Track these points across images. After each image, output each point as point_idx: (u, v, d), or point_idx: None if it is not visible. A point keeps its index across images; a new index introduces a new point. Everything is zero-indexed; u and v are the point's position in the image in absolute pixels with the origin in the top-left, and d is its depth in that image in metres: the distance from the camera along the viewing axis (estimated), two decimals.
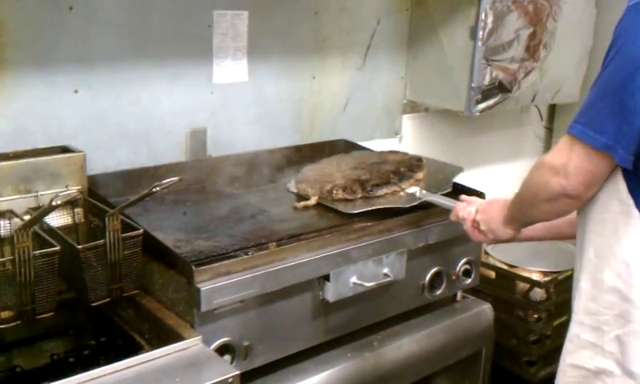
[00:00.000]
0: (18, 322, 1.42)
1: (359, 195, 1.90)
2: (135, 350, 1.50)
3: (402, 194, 1.94)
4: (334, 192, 1.90)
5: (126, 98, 2.03)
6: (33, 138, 1.86)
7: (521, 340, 2.60)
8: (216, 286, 1.46)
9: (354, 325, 1.80)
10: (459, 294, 2.08)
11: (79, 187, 1.77)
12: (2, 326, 1.40)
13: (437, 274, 1.94)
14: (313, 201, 1.91)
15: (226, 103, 2.25)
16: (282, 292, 1.60)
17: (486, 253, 2.71)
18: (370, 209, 1.84)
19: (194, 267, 1.45)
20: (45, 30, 1.84)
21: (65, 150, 1.83)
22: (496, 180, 2.99)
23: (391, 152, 2.28)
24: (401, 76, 2.72)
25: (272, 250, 1.59)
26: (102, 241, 1.48)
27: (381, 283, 1.75)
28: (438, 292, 1.96)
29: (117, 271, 1.51)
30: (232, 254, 1.54)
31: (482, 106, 2.56)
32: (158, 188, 1.39)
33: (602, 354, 1.41)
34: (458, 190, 2.05)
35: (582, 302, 1.45)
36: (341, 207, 1.86)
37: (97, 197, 1.77)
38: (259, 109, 2.33)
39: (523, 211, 1.52)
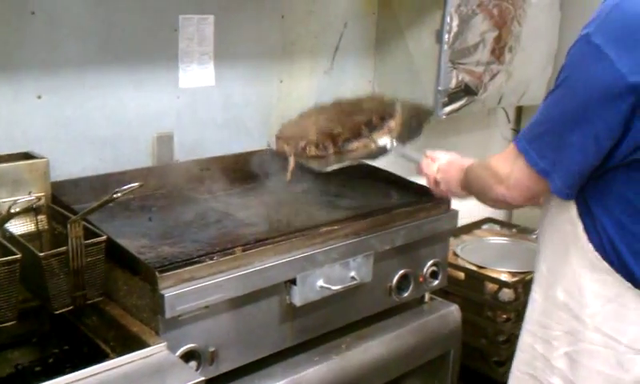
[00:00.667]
0: None
1: (331, 151, 1.93)
2: (100, 357, 1.48)
3: (373, 146, 1.93)
4: (308, 149, 1.93)
5: (91, 103, 2.01)
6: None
7: (490, 340, 2.63)
8: (180, 292, 1.46)
9: (321, 328, 1.80)
10: (427, 296, 2.09)
11: (42, 194, 1.75)
12: None
13: (404, 277, 1.95)
14: (291, 162, 1.97)
15: (192, 108, 2.24)
16: (248, 297, 1.60)
17: (455, 254, 2.73)
18: (342, 165, 1.92)
19: (157, 273, 1.44)
20: (6, 34, 1.81)
21: (28, 156, 1.80)
22: None
23: (368, 97, 2.26)
24: (368, 79, 2.73)
25: (238, 255, 1.58)
26: (64, 248, 1.46)
27: (348, 286, 1.76)
28: (406, 294, 1.97)
29: (80, 278, 1.49)
30: (197, 259, 1.53)
31: (448, 108, 2.58)
32: (118, 194, 1.38)
33: (550, 369, 1.43)
34: (425, 193, 2.06)
35: (535, 313, 1.47)
36: (315, 165, 1.93)
37: (61, 203, 1.75)
38: (226, 113, 2.33)
39: (472, 192, 1.57)
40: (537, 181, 1.34)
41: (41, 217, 1.74)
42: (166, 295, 1.43)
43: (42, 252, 1.48)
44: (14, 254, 1.40)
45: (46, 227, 1.74)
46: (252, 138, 2.39)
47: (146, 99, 2.13)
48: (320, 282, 1.70)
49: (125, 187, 1.39)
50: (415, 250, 1.96)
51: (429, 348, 2.03)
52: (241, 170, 2.23)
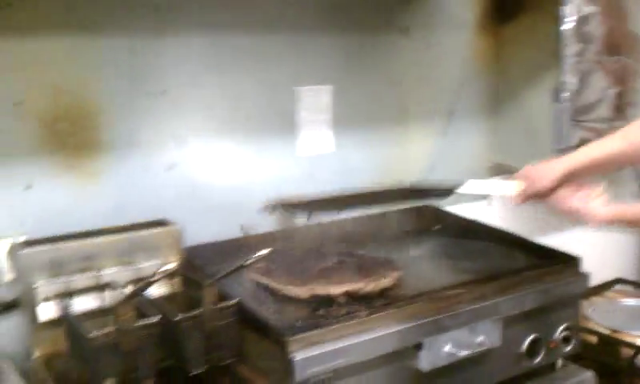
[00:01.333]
0: None
1: None
2: None
3: None
4: None
5: (216, 171, 2.11)
6: (131, 213, 1.93)
7: None
8: (309, 356, 1.46)
9: None
10: (560, 362, 1.99)
11: (176, 259, 1.84)
12: None
13: (534, 342, 1.87)
14: None
15: (311, 174, 2.30)
16: (375, 361, 1.58)
17: (586, 317, 2.60)
18: None
19: (287, 337, 1.46)
20: (139, 112, 1.95)
21: (162, 223, 1.90)
22: (591, 244, 2.89)
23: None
24: (485, 139, 2.70)
25: (363, 320, 1.57)
26: (199, 311, 1.51)
27: (475, 352, 1.70)
28: (537, 360, 1.88)
29: (214, 340, 1.54)
30: (324, 322, 1.54)
31: None
32: (249, 261, 1.42)
33: None
34: (549, 256, 2.00)
35: None
36: None
37: (192, 268, 1.82)
38: (344, 178, 2.34)
39: None
40: None
41: (174, 280, 1.82)
42: (295, 359, 1.44)
43: (176, 314, 1.55)
44: (153, 316, 1.46)
45: (179, 291, 1.81)
46: None
47: (268, 166, 2.21)
48: (447, 348, 1.66)
49: (255, 256, 1.43)
50: (545, 314, 1.88)
51: None
52: (358, 233, 2.24)
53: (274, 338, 1.51)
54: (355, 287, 1.69)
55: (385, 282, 1.74)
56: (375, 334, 1.57)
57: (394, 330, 1.59)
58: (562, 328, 1.91)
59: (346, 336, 1.54)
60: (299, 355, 1.45)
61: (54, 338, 1.66)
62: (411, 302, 1.66)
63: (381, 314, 1.60)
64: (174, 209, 1.99)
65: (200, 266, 1.83)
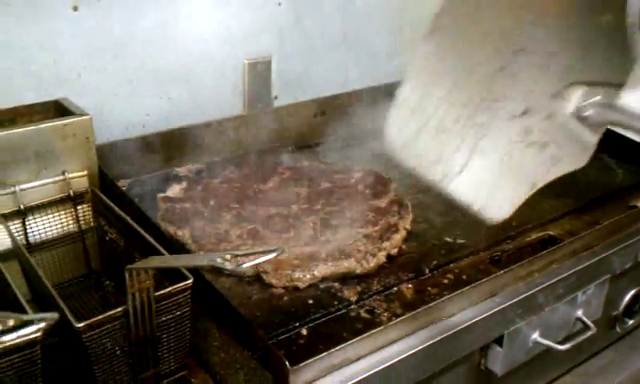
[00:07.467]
0: None
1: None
2: None
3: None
4: None
5: (151, 16, 1.38)
6: (9, 87, 1.24)
7: None
8: None
9: None
10: None
11: (84, 173, 1.11)
12: None
13: (635, 297, 1.26)
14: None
15: (298, 19, 1.55)
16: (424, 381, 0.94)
17: None
18: None
19: (288, 365, 0.78)
20: None
21: (60, 108, 1.16)
22: None
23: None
24: None
25: (419, 311, 0.90)
26: (119, 309, 0.81)
27: (577, 339, 1.08)
28: (632, 322, 1.29)
29: (148, 352, 0.86)
30: (341, 313, 0.87)
31: None
32: (227, 269, 0.70)
33: None
34: None
35: None
36: None
37: (112, 184, 1.12)
38: (345, 26, 1.62)
39: None
40: None
41: (83, 208, 1.11)
42: None
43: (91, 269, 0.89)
44: (31, 328, 0.75)
45: (92, 225, 1.11)
46: (379, 63, 1.70)
47: (234, 10, 1.48)
48: (535, 336, 1.03)
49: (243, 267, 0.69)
50: None
51: None
52: (372, 116, 1.54)
53: (264, 361, 0.83)
54: (350, 266, 1.01)
55: (398, 238, 1.06)
56: (436, 339, 0.90)
57: (462, 325, 0.93)
58: None
59: (387, 345, 0.87)
60: None
61: None
62: (482, 270, 1.00)
63: (442, 300, 0.93)
64: (81, 78, 1.31)
65: (123, 173, 1.16)
